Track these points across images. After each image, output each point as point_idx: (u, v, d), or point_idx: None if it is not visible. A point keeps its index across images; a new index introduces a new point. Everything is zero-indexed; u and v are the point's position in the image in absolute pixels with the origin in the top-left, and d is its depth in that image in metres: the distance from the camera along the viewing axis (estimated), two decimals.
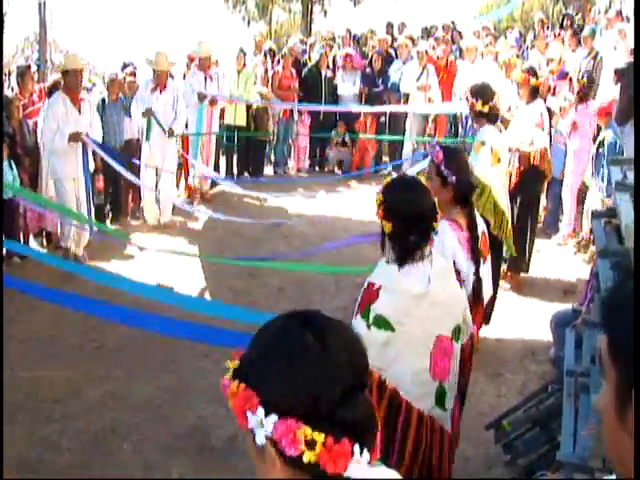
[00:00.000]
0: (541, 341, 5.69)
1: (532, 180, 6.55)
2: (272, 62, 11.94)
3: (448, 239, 3.44)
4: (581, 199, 7.90)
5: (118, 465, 4.15)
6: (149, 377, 5.11)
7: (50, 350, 5.46)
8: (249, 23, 24.37)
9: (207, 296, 6.66)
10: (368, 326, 2.63)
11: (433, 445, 2.80)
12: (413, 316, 2.67)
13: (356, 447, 1.20)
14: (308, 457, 1.17)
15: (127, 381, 5.02)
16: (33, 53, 13.38)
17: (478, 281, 3.61)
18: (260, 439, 1.21)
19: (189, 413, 4.68)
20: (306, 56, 12.60)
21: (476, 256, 3.59)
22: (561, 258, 7.62)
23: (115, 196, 8.71)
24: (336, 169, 11.99)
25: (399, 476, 1.40)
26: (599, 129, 7.58)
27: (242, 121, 10.71)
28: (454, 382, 2.86)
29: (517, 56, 11.14)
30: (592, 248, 7.06)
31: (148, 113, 8.15)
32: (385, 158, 12.19)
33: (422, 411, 2.75)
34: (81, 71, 7.30)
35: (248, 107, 10.77)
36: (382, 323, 2.63)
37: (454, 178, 3.50)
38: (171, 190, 8.80)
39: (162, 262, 7.26)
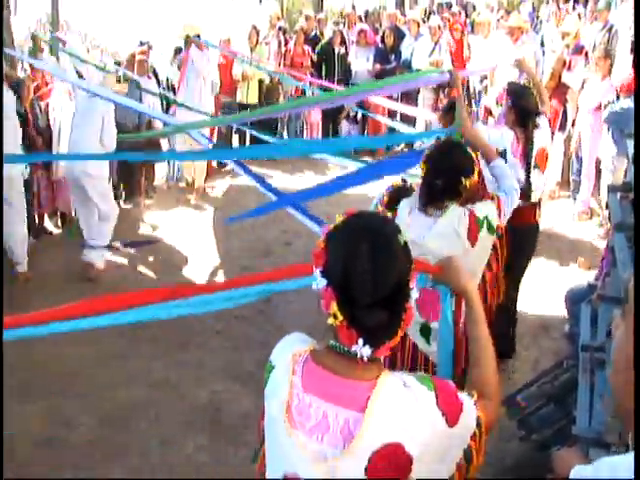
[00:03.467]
0: (554, 317, 5.66)
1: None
2: (284, 39, 11.87)
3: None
4: (598, 174, 7.85)
5: (134, 441, 4.20)
6: (165, 355, 5.15)
7: None
8: (261, 0, 24.18)
9: (220, 275, 6.68)
10: None
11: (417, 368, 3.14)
12: None
13: (360, 340, 1.54)
14: (331, 321, 1.56)
15: (142, 359, 5.06)
16: (45, 34, 13.35)
17: (528, 184, 4.62)
18: (314, 285, 1.58)
19: (204, 390, 4.72)
20: (317, 32, 12.49)
21: (527, 165, 4.64)
22: (576, 233, 7.57)
23: (128, 176, 8.69)
24: None
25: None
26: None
27: (254, 99, 10.68)
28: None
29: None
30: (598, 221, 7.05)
31: None
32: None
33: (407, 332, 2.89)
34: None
35: (260, 85, 10.73)
36: None
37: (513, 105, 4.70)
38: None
39: (174, 242, 7.30)
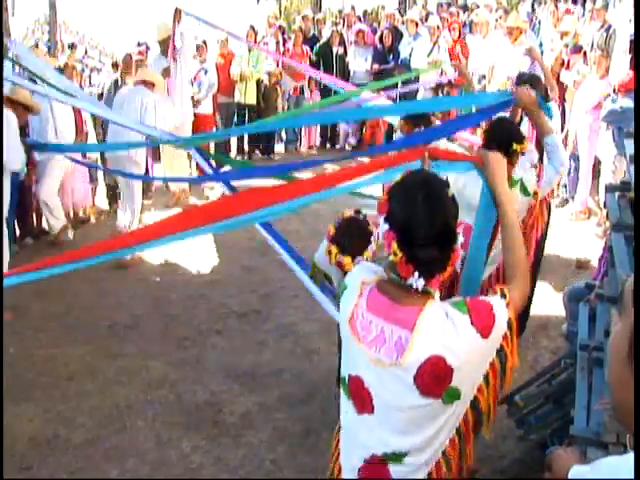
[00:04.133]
0: (553, 316, 5.66)
1: None
2: (282, 39, 11.87)
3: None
4: (596, 174, 7.85)
5: (132, 440, 4.19)
6: (163, 354, 5.14)
7: (64, 328, 5.50)
8: (259, 0, 24.16)
9: (220, 276, 6.68)
10: None
11: None
12: None
13: (416, 273, 1.88)
14: (391, 258, 1.90)
15: (141, 358, 5.05)
16: (43, 35, 13.36)
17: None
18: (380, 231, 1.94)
19: (202, 389, 4.71)
20: (315, 32, 12.49)
21: (540, 152, 4.55)
22: (574, 232, 7.57)
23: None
24: (347, 146, 11.94)
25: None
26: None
27: (252, 99, 10.68)
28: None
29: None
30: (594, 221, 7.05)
31: None
32: (398, 133, 12.07)
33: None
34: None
35: (258, 85, 10.73)
36: None
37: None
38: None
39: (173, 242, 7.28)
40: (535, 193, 3.79)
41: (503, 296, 1.99)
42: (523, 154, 3.68)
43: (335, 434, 2.27)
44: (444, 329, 1.90)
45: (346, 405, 2.11)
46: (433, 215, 1.88)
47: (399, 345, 1.92)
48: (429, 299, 1.95)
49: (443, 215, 1.90)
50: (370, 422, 2.03)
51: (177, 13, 8.11)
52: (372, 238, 2.50)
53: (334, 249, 2.48)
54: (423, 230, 1.86)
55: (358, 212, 2.67)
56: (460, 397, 1.96)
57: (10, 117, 5.53)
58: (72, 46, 13.33)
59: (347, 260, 2.45)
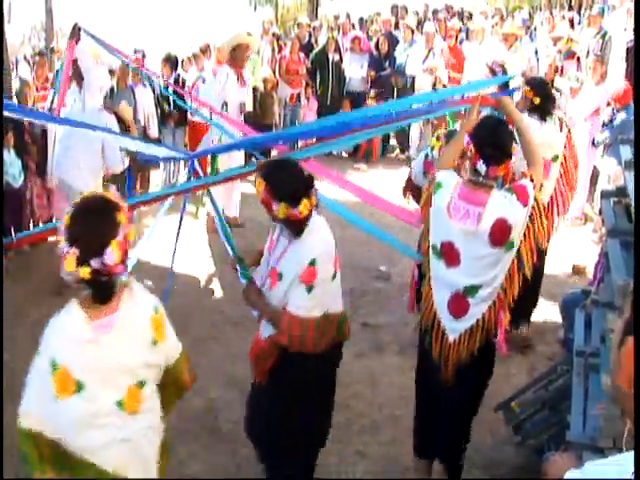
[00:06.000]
0: (549, 322, 5.68)
1: None
2: (278, 46, 11.88)
3: None
4: (593, 181, 7.86)
5: None
6: None
7: None
8: (255, 7, 24.20)
9: (221, 276, 6.65)
10: None
11: None
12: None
13: (480, 160, 3.23)
14: (469, 154, 3.30)
15: None
16: (40, 41, 13.36)
17: None
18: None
19: (198, 396, 4.69)
20: (312, 39, 12.52)
21: None
22: (570, 239, 7.58)
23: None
24: (343, 152, 11.93)
25: None
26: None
27: (249, 106, 10.66)
28: None
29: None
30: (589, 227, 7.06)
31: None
32: (392, 141, 12.11)
33: None
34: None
35: (254, 92, 10.73)
36: None
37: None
38: None
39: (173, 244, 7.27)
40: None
41: (531, 180, 3.25)
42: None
43: (426, 286, 3.37)
44: (503, 202, 3.16)
45: (437, 263, 3.29)
46: (501, 138, 3.24)
47: (477, 217, 3.14)
48: (492, 188, 3.22)
49: (506, 140, 3.26)
50: (456, 271, 3.23)
51: (75, 31, 6.49)
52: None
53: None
54: (494, 146, 3.19)
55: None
56: (514, 247, 3.16)
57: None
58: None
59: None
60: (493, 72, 8.71)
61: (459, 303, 3.24)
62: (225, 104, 7.58)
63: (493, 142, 3.19)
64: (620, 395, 1.32)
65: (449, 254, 3.20)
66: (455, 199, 3.17)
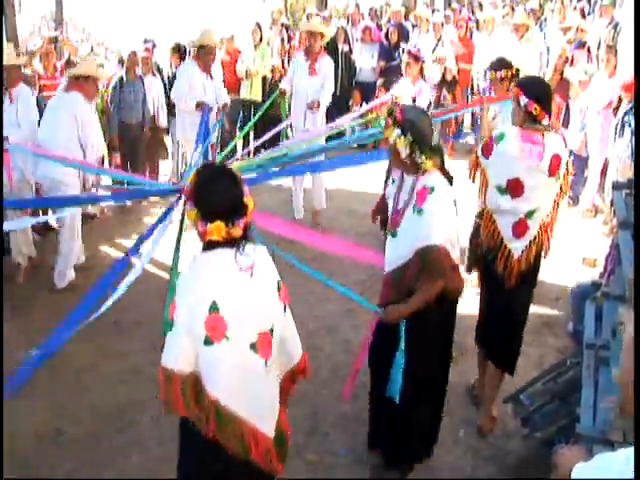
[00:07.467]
0: (559, 314, 5.65)
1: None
2: (287, 36, 11.82)
3: None
4: (604, 173, 7.81)
5: (135, 438, 4.20)
6: None
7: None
8: None
9: None
10: None
11: None
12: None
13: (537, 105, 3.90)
14: (532, 110, 3.87)
15: (145, 356, 5.04)
16: (50, 31, 13.34)
17: None
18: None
19: None
20: None
21: None
22: (581, 230, 7.54)
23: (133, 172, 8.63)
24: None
25: None
26: (619, 101, 7.49)
27: (258, 96, 10.64)
28: None
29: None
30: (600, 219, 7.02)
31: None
32: None
33: None
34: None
35: (264, 81, 10.70)
36: None
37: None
38: None
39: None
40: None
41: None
42: None
43: (486, 220, 4.02)
44: (555, 141, 3.83)
45: (502, 196, 3.88)
46: (549, 94, 3.96)
47: (539, 155, 3.77)
48: (546, 130, 3.83)
49: (550, 95, 3.99)
50: (520, 200, 3.86)
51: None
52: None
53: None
54: (547, 95, 3.92)
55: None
56: (561, 177, 3.89)
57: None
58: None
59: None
60: None
61: (522, 226, 3.95)
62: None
63: (546, 94, 3.92)
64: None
65: (515, 188, 3.85)
66: (520, 142, 3.80)
